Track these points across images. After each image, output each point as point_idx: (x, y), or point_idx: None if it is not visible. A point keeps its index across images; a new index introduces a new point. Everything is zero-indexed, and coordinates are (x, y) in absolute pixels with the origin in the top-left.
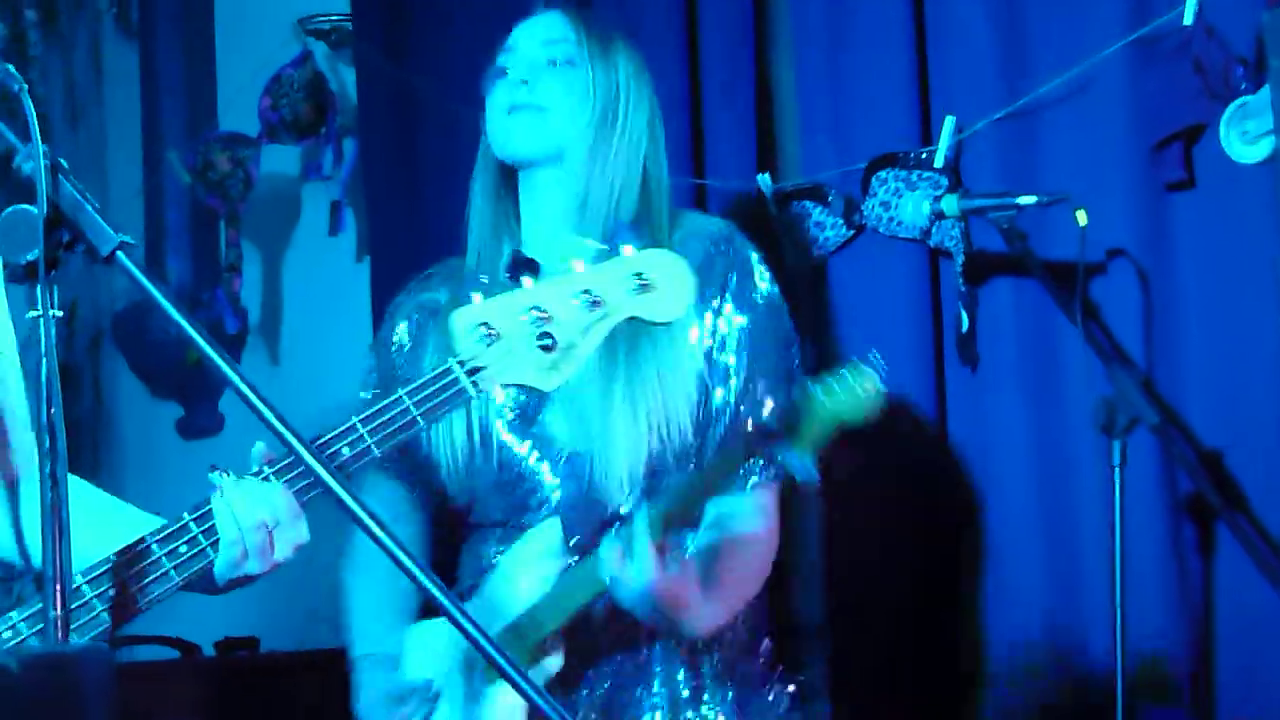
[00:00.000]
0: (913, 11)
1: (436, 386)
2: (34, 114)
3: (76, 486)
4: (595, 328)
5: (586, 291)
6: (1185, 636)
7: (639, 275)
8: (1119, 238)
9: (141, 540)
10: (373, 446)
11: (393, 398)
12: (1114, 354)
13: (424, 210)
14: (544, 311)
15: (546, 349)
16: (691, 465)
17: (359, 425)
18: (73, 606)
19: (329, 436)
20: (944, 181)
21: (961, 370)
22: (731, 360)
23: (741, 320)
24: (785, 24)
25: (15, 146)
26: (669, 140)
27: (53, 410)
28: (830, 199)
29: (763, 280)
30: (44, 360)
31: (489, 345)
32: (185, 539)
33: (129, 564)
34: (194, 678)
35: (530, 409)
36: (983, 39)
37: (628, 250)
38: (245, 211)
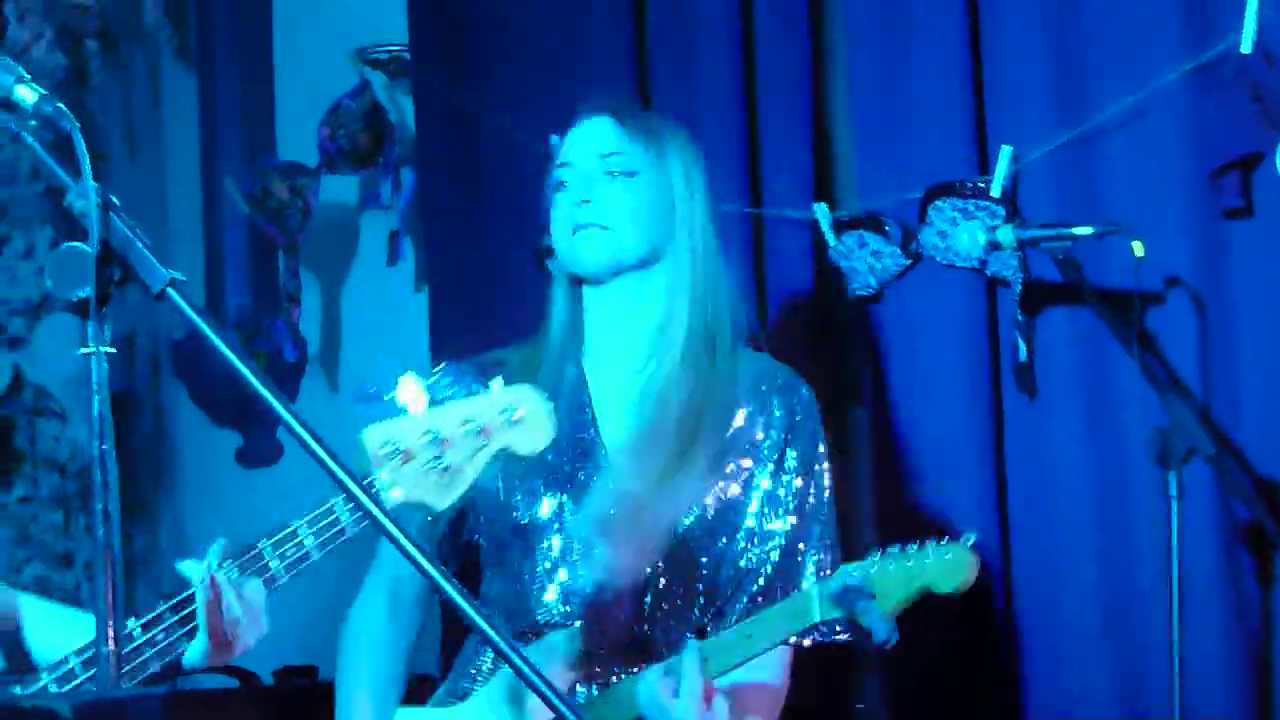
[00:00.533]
0: (969, 41)
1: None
2: (86, 152)
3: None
4: (479, 454)
5: (473, 420)
6: (1244, 666)
7: (512, 409)
8: (1176, 266)
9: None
10: (313, 551)
11: (326, 506)
12: (1170, 384)
13: (482, 240)
14: (442, 437)
15: (443, 472)
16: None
17: (301, 530)
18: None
19: (279, 537)
20: (1001, 211)
21: (1019, 399)
22: (778, 524)
23: (798, 482)
24: (841, 53)
25: (68, 184)
26: (726, 171)
27: (105, 446)
28: (887, 228)
29: (821, 445)
30: (96, 396)
31: (401, 465)
32: (162, 627)
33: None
34: (253, 706)
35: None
36: (1039, 68)
37: (496, 384)
38: (304, 241)
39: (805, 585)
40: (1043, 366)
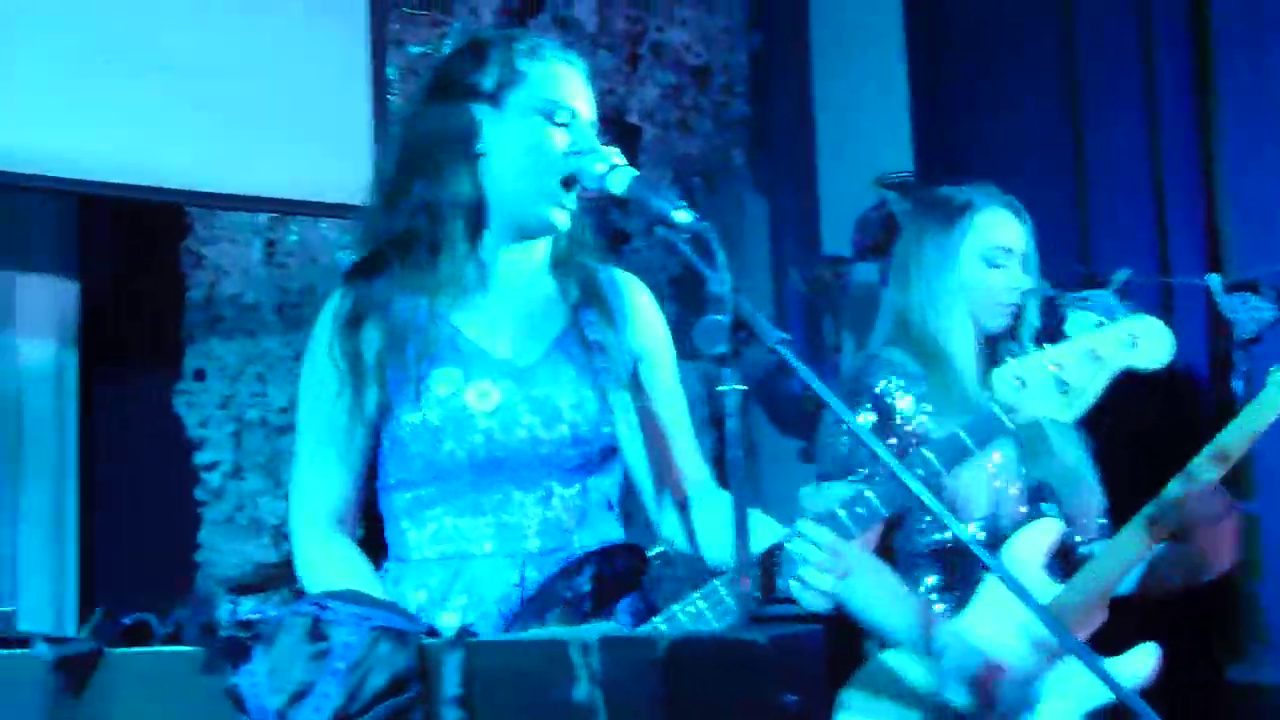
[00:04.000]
0: None
1: (987, 424)
2: (722, 254)
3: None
4: (1098, 375)
5: (1092, 350)
6: None
7: (1132, 336)
8: None
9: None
10: (941, 471)
11: (950, 434)
12: None
13: None
14: (1059, 365)
15: (1064, 393)
16: None
17: (924, 451)
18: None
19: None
20: None
21: None
22: None
23: None
24: (1229, 156)
25: (708, 274)
26: (1140, 247)
27: (739, 453)
28: (1262, 290)
29: None
30: (730, 420)
31: (1019, 391)
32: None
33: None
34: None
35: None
36: None
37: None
38: (843, 308)
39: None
40: None
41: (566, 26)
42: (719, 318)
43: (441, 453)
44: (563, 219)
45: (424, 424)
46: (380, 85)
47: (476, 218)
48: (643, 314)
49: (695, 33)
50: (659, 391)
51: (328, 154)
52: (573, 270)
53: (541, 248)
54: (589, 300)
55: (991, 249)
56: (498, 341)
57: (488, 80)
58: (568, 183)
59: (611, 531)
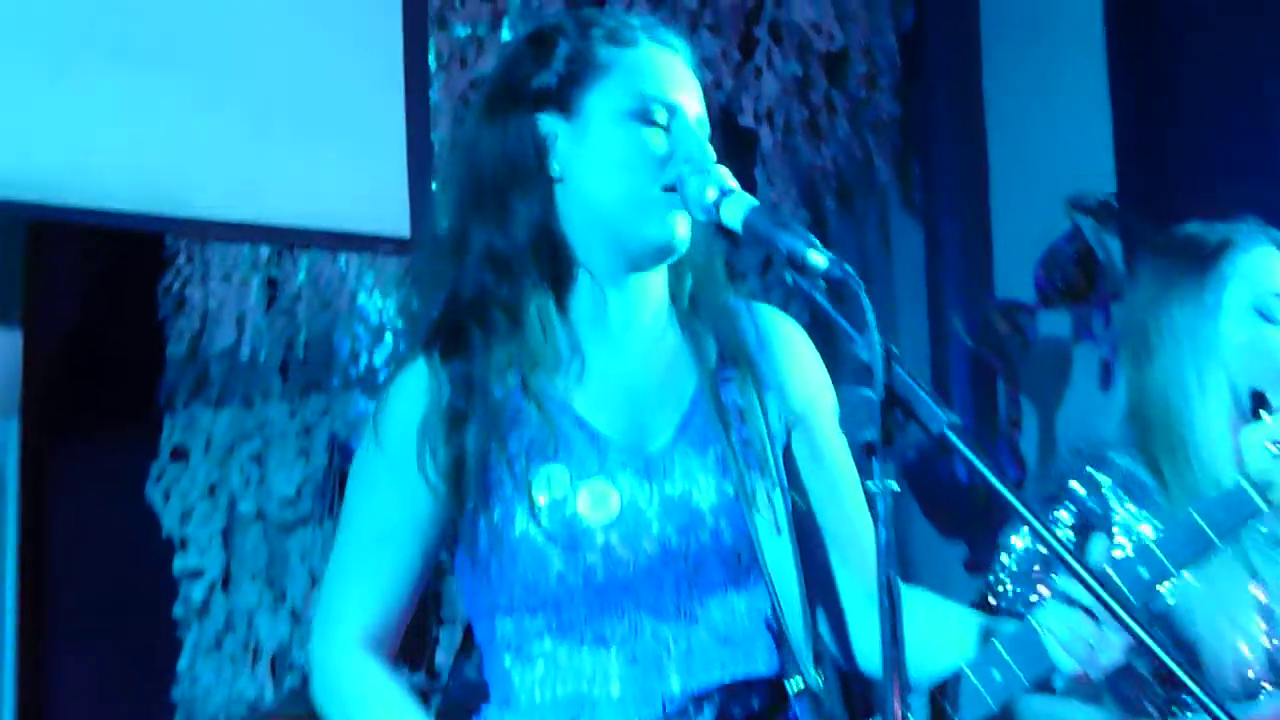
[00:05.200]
0: None
1: (1232, 504)
2: (871, 310)
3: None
4: None
5: None
6: None
7: None
8: None
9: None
10: (1170, 568)
11: (1182, 516)
12: None
13: None
14: None
15: None
16: None
17: (1153, 547)
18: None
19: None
20: None
21: None
22: None
23: None
24: None
25: (854, 336)
26: None
27: (892, 573)
28: None
29: None
30: (882, 529)
31: (1277, 461)
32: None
33: None
34: None
35: None
36: None
37: None
38: (1022, 370)
39: None
40: None
41: (660, 2)
42: (867, 393)
43: (549, 576)
44: (683, 232)
45: (525, 539)
46: (417, 77)
47: (558, 263)
48: (799, 364)
49: (827, 9)
50: (821, 463)
51: (348, 167)
52: (704, 313)
53: (657, 285)
54: (727, 353)
55: (1265, 296)
56: (615, 418)
57: (554, 79)
58: (672, 190)
59: (764, 662)
